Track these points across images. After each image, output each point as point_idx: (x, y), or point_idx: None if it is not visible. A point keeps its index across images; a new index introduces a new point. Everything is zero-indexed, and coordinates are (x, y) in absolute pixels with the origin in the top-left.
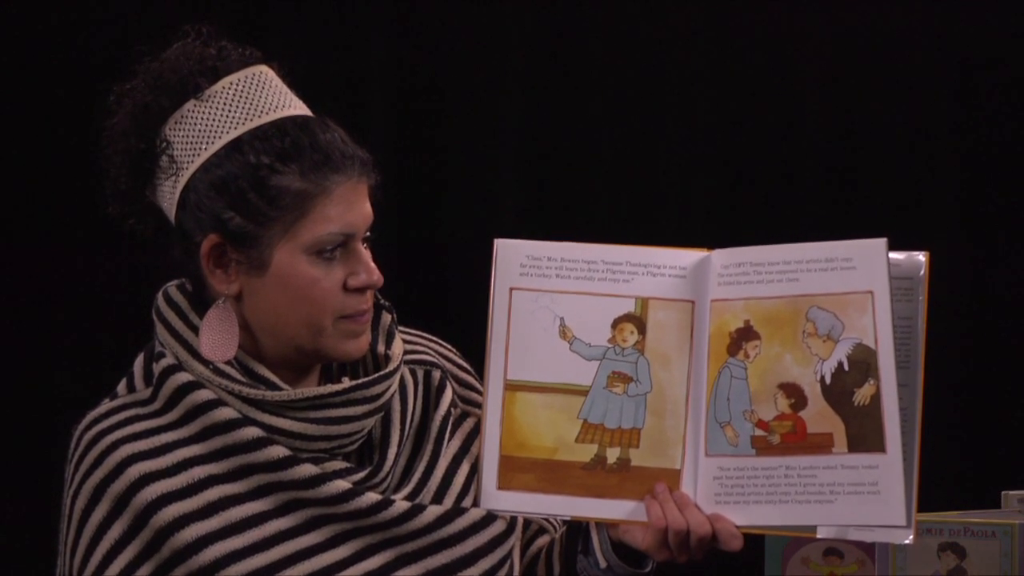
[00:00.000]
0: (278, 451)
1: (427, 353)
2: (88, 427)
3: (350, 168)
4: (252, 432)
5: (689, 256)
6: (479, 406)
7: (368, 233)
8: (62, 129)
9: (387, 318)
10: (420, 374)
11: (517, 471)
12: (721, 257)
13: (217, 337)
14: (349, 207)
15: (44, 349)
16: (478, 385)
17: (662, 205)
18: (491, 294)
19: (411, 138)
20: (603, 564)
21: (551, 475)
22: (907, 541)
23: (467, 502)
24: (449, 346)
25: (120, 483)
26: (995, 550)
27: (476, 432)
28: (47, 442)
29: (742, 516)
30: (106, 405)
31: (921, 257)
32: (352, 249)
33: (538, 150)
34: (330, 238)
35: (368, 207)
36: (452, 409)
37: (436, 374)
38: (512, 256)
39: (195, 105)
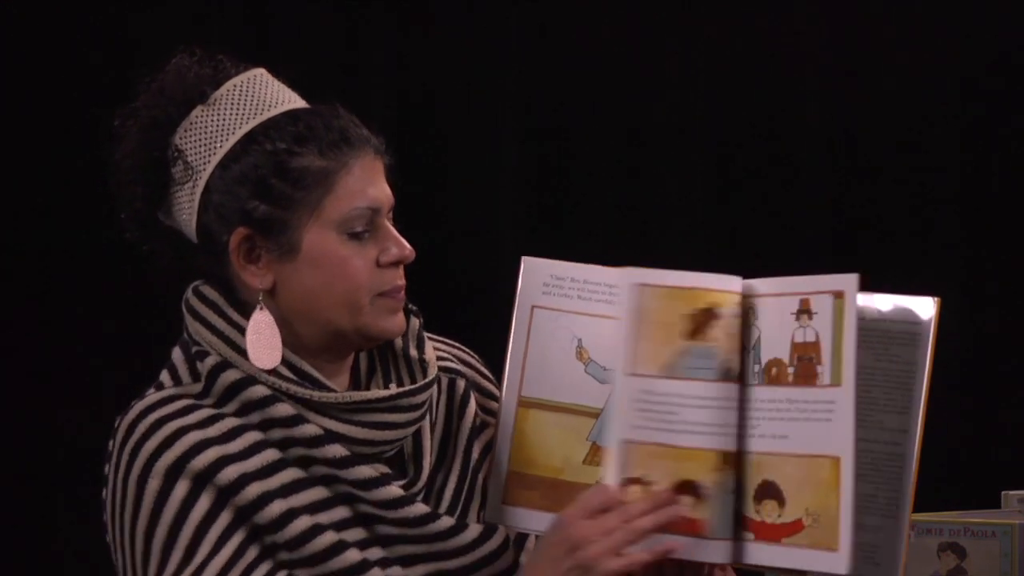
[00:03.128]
0: (337, 450)
1: (451, 360)
2: (143, 414)
3: (366, 145)
4: (311, 429)
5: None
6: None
7: (391, 213)
8: (62, 140)
9: (415, 322)
10: (444, 382)
11: (523, 488)
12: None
13: (264, 343)
14: (370, 182)
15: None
16: (498, 393)
17: (664, 214)
18: (514, 311)
19: (411, 145)
20: None
21: (555, 494)
22: None
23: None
24: (472, 353)
25: (199, 461)
26: (995, 550)
27: (492, 444)
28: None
29: (728, 553)
30: (156, 394)
31: (932, 303)
32: (380, 225)
33: (538, 158)
34: (357, 212)
35: (387, 187)
36: (476, 419)
37: (460, 383)
38: (537, 274)
39: (202, 111)
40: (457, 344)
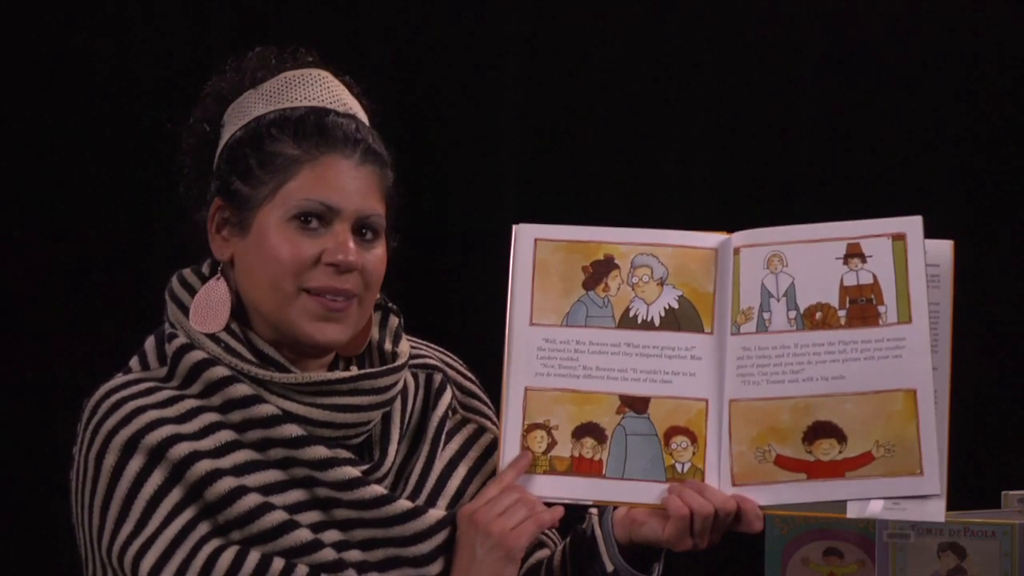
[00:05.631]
0: (293, 429)
1: (430, 358)
2: (107, 395)
3: (349, 149)
4: (268, 409)
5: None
6: (481, 415)
7: (368, 233)
8: (60, 124)
9: (395, 321)
10: (422, 377)
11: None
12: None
13: (205, 308)
14: (337, 183)
15: (40, 343)
16: (482, 395)
17: (663, 193)
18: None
19: (409, 139)
20: (609, 568)
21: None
22: (941, 519)
23: (460, 507)
24: (455, 356)
25: (153, 437)
26: (995, 550)
27: (476, 438)
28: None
29: (766, 496)
30: (122, 378)
31: (948, 245)
32: (336, 230)
33: (538, 146)
34: (307, 204)
35: (366, 200)
36: (450, 412)
37: (437, 376)
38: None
39: (251, 93)
40: (441, 349)
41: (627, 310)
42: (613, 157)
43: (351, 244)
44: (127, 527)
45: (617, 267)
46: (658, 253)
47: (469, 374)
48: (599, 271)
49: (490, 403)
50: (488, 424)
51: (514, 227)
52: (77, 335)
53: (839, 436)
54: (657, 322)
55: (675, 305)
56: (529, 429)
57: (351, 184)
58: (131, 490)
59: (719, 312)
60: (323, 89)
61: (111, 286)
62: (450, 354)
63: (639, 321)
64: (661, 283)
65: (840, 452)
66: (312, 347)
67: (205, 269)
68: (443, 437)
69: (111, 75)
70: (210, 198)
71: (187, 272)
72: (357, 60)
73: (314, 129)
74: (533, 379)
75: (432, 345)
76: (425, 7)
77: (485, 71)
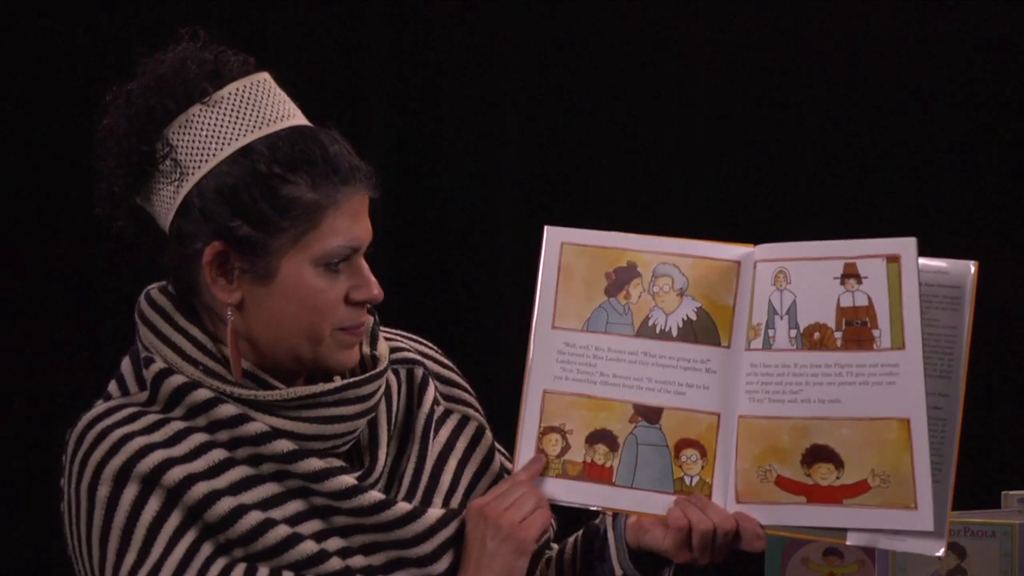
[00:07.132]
0: (284, 445)
1: (408, 351)
2: (90, 425)
3: (356, 181)
4: (256, 427)
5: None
6: (463, 403)
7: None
8: (59, 129)
9: (369, 320)
10: (403, 373)
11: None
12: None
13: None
14: (356, 220)
15: (37, 351)
16: (462, 382)
17: (664, 199)
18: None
19: (410, 136)
20: (619, 572)
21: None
22: (939, 553)
23: (454, 501)
24: (431, 344)
25: (144, 464)
26: (995, 550)
27: (461, 429)
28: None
29: (768, 516)
30: (103, 405)
31: (971, 266)
32: (355, 262)
33: (538, 149)
34: (339, 251)
35: (369, 224)
36: (435, 406)
37: (418, 371)
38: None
39: (201, 110)
40: (417, 337)
41: (646, 319)
42: (614, 160)
43: (373, 278)
44: (130, 557)
45: (639, 275)
46: (680, 263)
47: (447, 361)
48: (621, 278)
49: (470, 388)
50: (472, 412)
51: (545, 228)
52: (72, 340)
53: (836, 461)
54: (675, 333)
55: (693, 317)
56: (545, 432)
57: (362, 216)
58: (129, 520)
59: (737, 326)
60: (284, 103)
61: (107, 291)
62: (425, 342)
63: (657, 331)
64: (681, 294)
65: (837, 478)
66: (336, 372)
67: (172, 288)
68: (431, 434)
69: (115, 80)
70: (195, 237)
71: (155, 292)
72: (357, 60)
73: (326, 168)
74: (552, 382)
75: (406, 334)
76: (426, 9)
77: (489, 73)
